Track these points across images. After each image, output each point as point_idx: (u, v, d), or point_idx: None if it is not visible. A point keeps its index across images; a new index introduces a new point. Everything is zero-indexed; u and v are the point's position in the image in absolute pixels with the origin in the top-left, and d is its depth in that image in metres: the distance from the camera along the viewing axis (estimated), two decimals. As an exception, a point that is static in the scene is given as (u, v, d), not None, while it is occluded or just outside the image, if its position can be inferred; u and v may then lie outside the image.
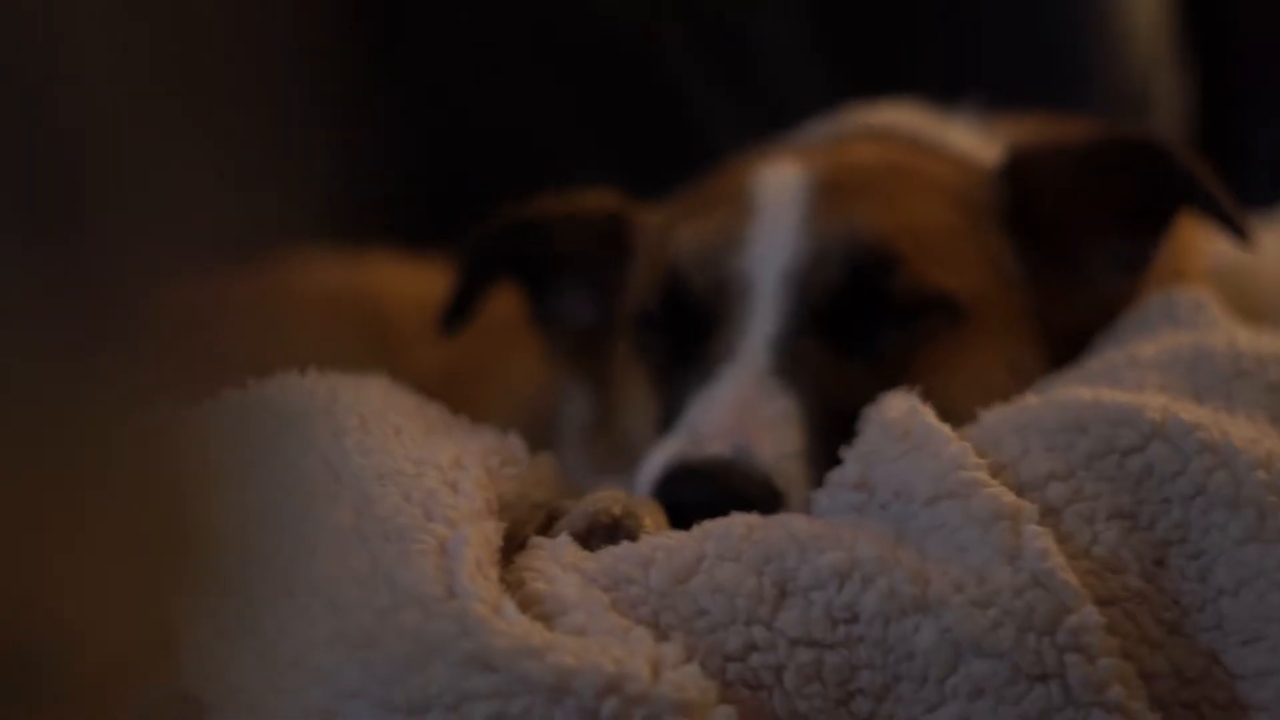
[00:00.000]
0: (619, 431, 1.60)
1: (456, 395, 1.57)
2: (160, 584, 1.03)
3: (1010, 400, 1.34)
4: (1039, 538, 1.16)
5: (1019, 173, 1.53)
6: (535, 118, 2.63)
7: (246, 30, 1.05)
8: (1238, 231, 1.49)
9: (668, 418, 1.44)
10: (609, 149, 2.57)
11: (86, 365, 0.91)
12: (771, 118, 1.96)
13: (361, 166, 2.48)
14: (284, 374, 1.41)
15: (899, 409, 1.27)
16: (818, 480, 1.28)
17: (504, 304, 1.73)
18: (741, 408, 1.35)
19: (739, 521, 1.20)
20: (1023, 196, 1.52)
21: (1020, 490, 1.22)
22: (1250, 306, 1.65)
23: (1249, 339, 1.38)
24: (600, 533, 1.24)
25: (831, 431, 1.32)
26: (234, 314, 1.91)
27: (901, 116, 1.75)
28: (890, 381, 1.35)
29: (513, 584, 1.15)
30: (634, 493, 1.33)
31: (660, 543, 1.20)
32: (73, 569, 0.91)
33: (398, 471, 1.24)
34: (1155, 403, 1.27)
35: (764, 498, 1.28)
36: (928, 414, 1.26)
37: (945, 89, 1.84)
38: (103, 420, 0.93)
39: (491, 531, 1.19)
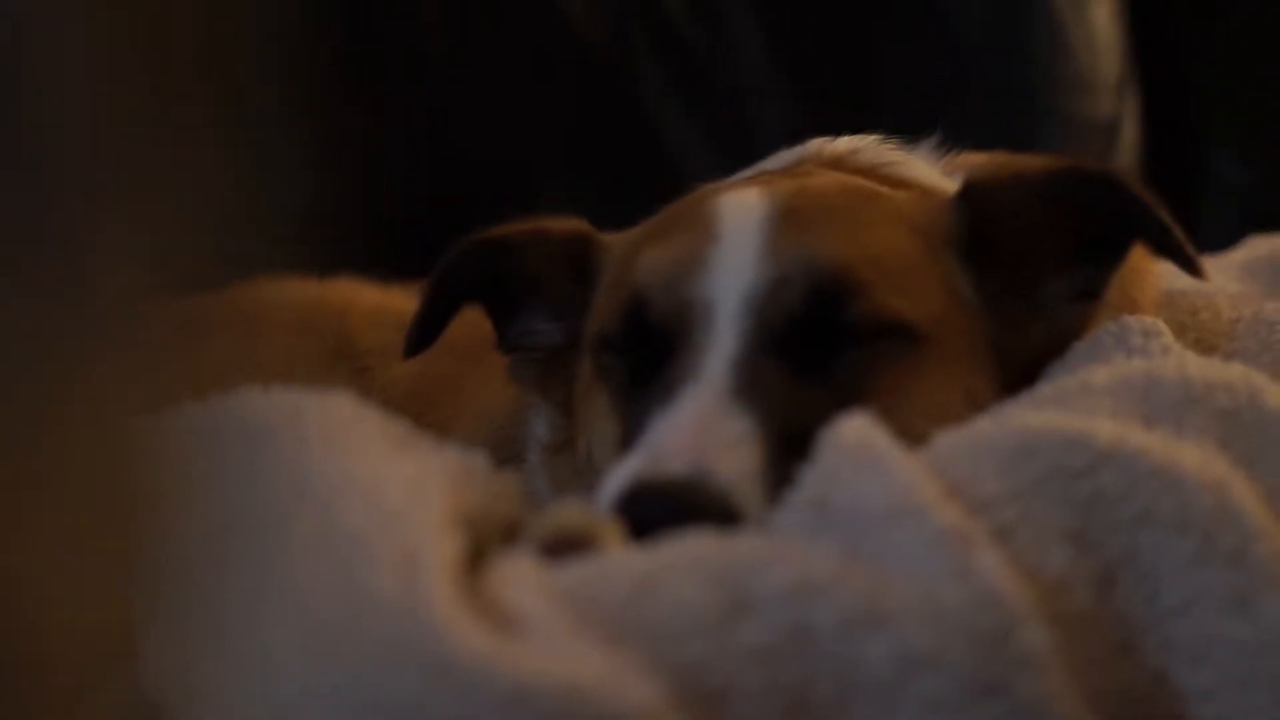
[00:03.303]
0: (582, 451, 1.62)
1: (422, 414, 1.59)
2: (125, 587, 1.05)
3: (964, 424, 1.37)
4: (988, 557, 1.19)
5: (976, 201, 1.56)
6: (513, 149, 2.65)
7: (226, 54, 1.07)
8: (1188, 263, 1.51)
9: (629, 438, 1.45)
10: (587, 181, 2.60)
11: (58, 378, 0.92)
12: (743, 152, 1.98)
13: (339, 193, 2.51)
14: (248, 388, 1.43)
15: (854, 431, 1.29)
16: (775, 499, 1.30)
17: (469, 325, 1.75)
18: (700, 428, 1.36)
19: (696, 538, 1.22)
20: (979, 225, 1.55)
21: (971, 511, 1.24)
22: (1203, 337, 1.69)
23: (1199, 366, 1.40)
24: (561, 548, 1.26)
25: (789, 452, 1.33)
26: (202, 331, 1.93)
27: (862, 148, 1.77)
28: (847, 404, 1.37)
29: (474, 596, 1.17)
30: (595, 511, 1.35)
31: (619, 558, 1.23)
32: (41, 568, 0.93)
33: (361, 484, 1.26)
34: (1105, 427, 1.29)
35: (721, 516, 1.29)
36: (882, 436, 1.28)
37: (910, 124, 1.87)
38: (73, 430, 0.94)
39: (454, 544, 1.21)
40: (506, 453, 1.69)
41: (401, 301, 1.96)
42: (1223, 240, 2.27)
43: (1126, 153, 2.79)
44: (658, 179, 1.83)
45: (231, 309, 2.08)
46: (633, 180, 1.91)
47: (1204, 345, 1.62)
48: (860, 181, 1.63)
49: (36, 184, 0.88)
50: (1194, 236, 1.54)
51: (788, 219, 1.51)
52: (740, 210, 1.53)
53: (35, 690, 0.94)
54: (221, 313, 2.07)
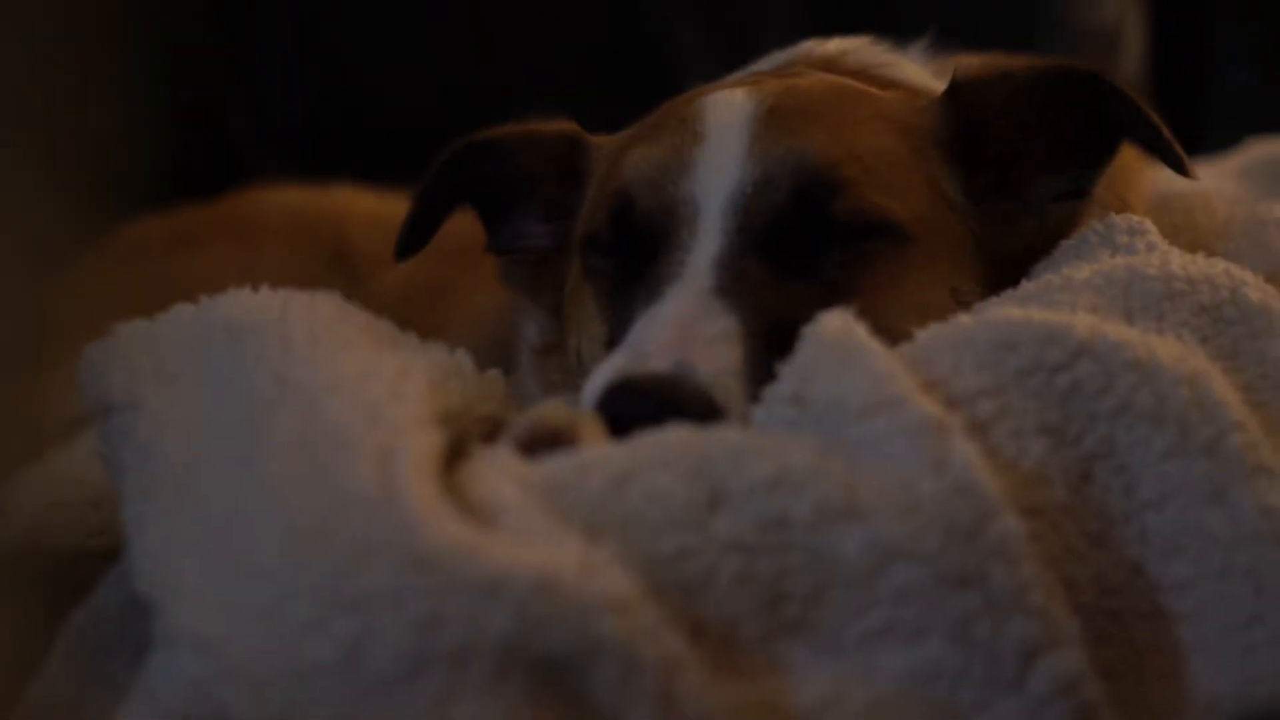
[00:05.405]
0: (572, 353, 1.63)
1: (416, 320, 1.59)
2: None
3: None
4: (964, 449, 1.19)
5: (963, 98, 1.55)
6: (521, 64, 2.65)
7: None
8: (1176, 161, 1.51)
9: (615, 337, 1.46)
10: (585, 90, 2.59)
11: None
12: (748, 59, 1.98)
13: (336, 104, 2.51)
14: (237, 289, 1.43)
15: (834, 327, 1.29)
16: (758, 396, 1.30)
17: (463, 234, 1.75)
18: (683, 325, 1.37)
19: (674, 432, 1.23)
20: (966, 124, 1.55)
21: (950, 405, 1.25)
22: (1198, 238, 1.68)
23: (1182, 261, 1.41)
24: (541, 443, 1.27)
25: (773, 350, 1.34)
26: (200, 239, 1.94)
27: (853, 50, 1.77)
28: (831, 302, 1.37)
29: (453, 490, 1.18)
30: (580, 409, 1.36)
31: (598, 452, 1.23)
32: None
33: (343, 381, 1.26)
34: (1084, 322, 1.30)
35: (702, 412, 1.30)
36: (862, 332, 1.28)
37: (914, 30, 1.86)
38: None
39: (433, 440, 1.22)
40: (500, 357, 1.69)
41: (399, 209, 1.96)
42: (1232, 148, 2.26)
43: (1131, 61, 2.78)
44: (658, 91, 1.82)
45: (230, 216, 2.08)
46: (633, 91, 1.89)
47: (1199, 246, 1.61)
48: (847, 82, 1.63)
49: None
50: (1202, 145, 1.53)
51: (773, 118, 1.51)
52: (726, 110, 1.53)
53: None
54: (220, 220, 2.08)
